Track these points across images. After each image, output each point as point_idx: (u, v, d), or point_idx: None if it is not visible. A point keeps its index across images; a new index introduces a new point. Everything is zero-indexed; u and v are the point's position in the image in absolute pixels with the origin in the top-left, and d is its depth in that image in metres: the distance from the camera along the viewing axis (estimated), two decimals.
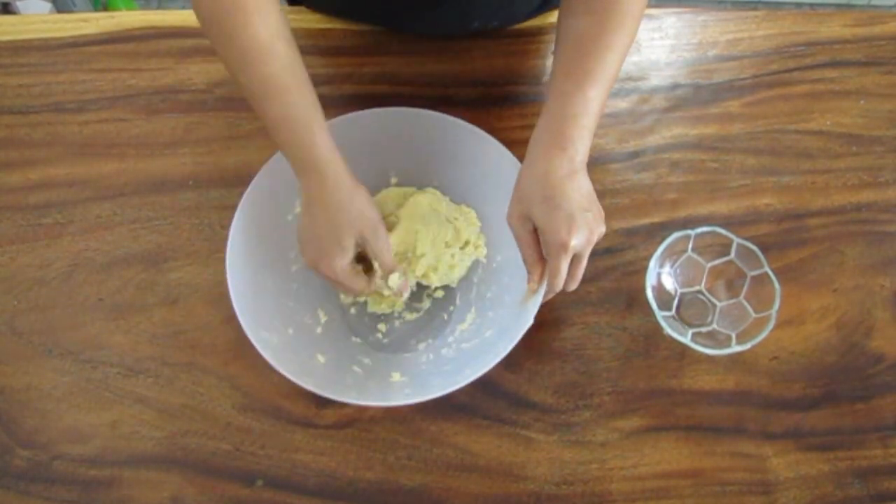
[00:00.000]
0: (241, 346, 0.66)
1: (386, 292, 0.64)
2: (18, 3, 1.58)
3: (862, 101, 0.79)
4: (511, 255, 0.61)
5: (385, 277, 0.64)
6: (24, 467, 0.62)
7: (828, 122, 0.78)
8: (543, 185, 0.55)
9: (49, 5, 1.64)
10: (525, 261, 0.59)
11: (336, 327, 0.67)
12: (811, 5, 1.95)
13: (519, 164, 0.61)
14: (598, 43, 0.57)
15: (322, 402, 0.64)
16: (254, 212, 0.63)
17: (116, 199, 0.73)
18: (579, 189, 0.56)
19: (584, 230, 0.55)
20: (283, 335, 0.62)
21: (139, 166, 0.75)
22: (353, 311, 0.69)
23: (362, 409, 0.64)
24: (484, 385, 0.65)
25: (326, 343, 0.65)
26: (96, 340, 0.67)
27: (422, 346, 0.67)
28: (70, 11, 1.66)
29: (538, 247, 0.57)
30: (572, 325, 0.68)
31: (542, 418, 0.64)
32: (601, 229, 0.57)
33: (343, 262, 0.60)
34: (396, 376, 0.63)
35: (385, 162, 0.70)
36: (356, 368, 0.64)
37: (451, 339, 0.66)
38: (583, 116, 0.56)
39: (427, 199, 0.68)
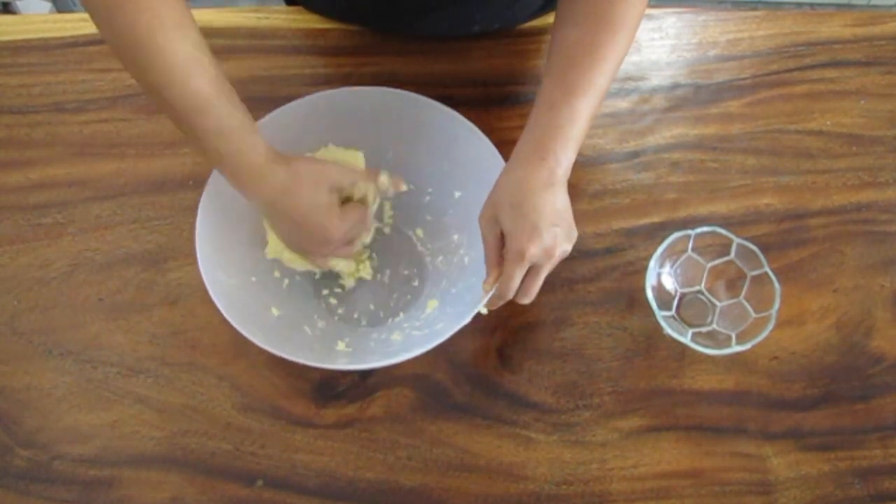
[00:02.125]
0: (241, 346, 0.66)
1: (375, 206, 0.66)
2: (18, 3, 1.58)
3: (862, 101, 0.79)
4: (482, 257, 0.61)
5: (375, 191, 0.65)
6: (24, 467, 0.62)
7: (828, 122, 0.78)
8: (516, 191, 0.55)
9: (49, 5, 1.64)
10: (486, 262, 0.59)
11: (303, 287, 0.69)
12: (811, 5, 1.95)
13: (489, 146, 0.63)
14: (591, 55, 0.57)
15: (322, 402, 0.65)
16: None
17: (116, 199, 0.73)
18: (552, 203, 0.55)
19: (546, 243, 0.55)
20: (243, 281, 0.62)
21: (139, 166, 0.75)
22: (317, 275, 0.70)
23: (362, 409, 0.64)
24: (484, 385, 0.65)
25: (286, 299, 0.65)
26: (96, 340, 0.67)
27: (383, 322, 0.68)
28: (70, 11, 1.66)
29: (500, 251, 0.57)
30: (572, 325, 0.68)
31: (542, 418, 0.64)
32: (566, 247, 0.56)
33: (337, 233, 0.61)
34: (342, 345, 0.64)
35: (354, 143, 0.69)
36: (306, 328, 0.64)
37: (405, 324, 0.67)
38: (569, 129, 0.56)
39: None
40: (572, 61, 0.57)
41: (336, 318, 0.68)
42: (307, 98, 0.65)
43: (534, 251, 0.54)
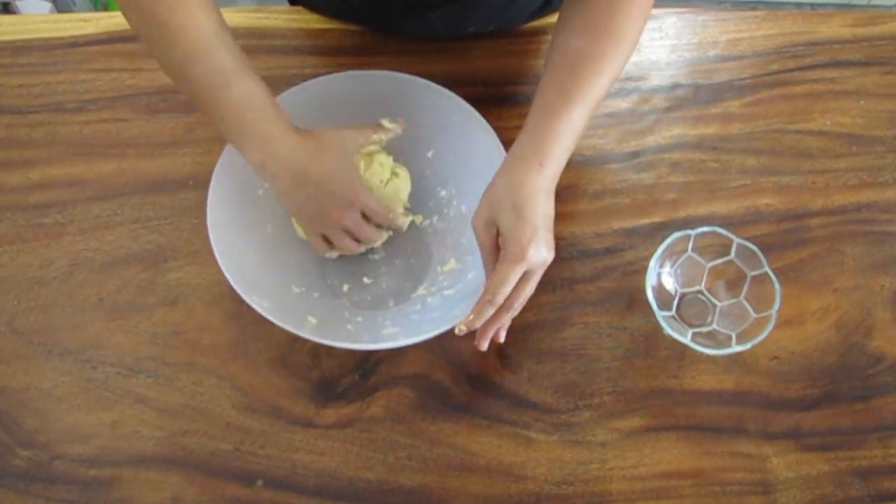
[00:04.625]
0: (241, 346, 0.67)
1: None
2: (18, 3, 1.58)
3: (862, 101, 0.79)
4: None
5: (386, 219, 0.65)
6: (24, 467, 0.62)
7: (828, 122, 0.78)
8: (515, 194, 0.55)
9: (49, 5, 1.64)
10: (485, 266, 0.59)
11: (320, 293, 0.68)
12: (811, 5, 1.95)
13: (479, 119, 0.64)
14: (592, 65, 0.57)
15: (322, 402, 0.65)
16: (229, 180, 0.64)
17: (116, 199, 0.73)
18: (546, 208, 0.56)
19: (543, 249, 0.55)
20: (273, 300, 0.62)
21: (139, 166, 0.75)
22: (330, 270, 0.70)
23: (362, 409, 0.64)
24: (484, 385, 0.65)
25: (316, 306, 0.65)
26: (96, 340, 0.67)
27: (407, 297, 0.69)
28: (70, 11, 1.66)
29: (497, 253, 0.57)
30: (572, 325, 0.68)
31: (542, 418, 0.64)
32: (551, 256, 0.56)
33: (362, 196, 0.61)
34: (389, 328, 0.64)
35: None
36: (349, 327, 0.64)
37: (433, 287, 0.67)
38: (565, 136, 0.57)
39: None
40: (575, 70, 0.58)
41: (365, 309, 0.68)
42: (303, 85, 0.66)
43: (533, 253, 0.54)
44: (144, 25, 0.56)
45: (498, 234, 0.57)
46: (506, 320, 0.59)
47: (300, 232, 0.67)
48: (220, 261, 0.59)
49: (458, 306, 0.60)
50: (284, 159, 0.58)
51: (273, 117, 0.58)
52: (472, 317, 0.56)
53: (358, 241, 0.65)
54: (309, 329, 0.60)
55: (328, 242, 0.65)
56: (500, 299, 0.56)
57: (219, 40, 0.56)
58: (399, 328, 0.64)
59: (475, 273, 0.64)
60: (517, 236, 0.54)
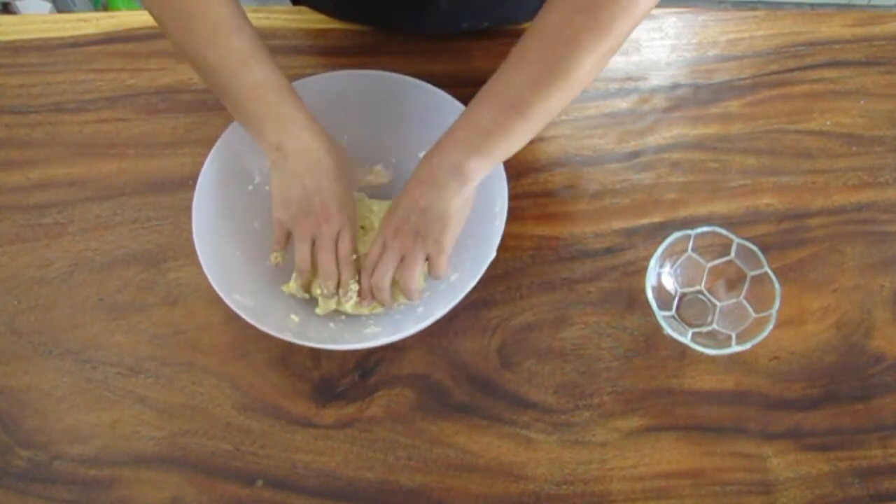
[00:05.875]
0: (241, 346, 0.67)
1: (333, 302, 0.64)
2: (18, 3, 1.58)
3: (862, 101, 0.79)
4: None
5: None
6: (24, 467, 0.62)
7: (828, 122, 0.78)
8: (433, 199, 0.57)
9: (49, 5, 1.64)
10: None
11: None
12: (811, 5, 1.95)
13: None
14: (570, 50, 0.52)
15: (322, 402, 0.65)
16: (219, 178, 0.65)
17: (116, 199, 0.73)
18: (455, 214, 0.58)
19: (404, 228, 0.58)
20: (255, 299, 0.61)
21: (139, 166, 0.75)
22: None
23: (362, 409, 0.64)
24: (484, 385, 0.65)
25: (301, 305, 0.65)
26: (96, 340, 0.67)
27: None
28: (70, 11, 1.66)
29: None
30: (572, 325, 0.68)
31: (542, 418, 0.64)
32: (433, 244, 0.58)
33: (340, 218, 0.60)
34: (371, 327, 0.64)
35: (341, 124, 0.70)
36: (331, 325, 0.64)
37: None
38: (519, 136, 0.56)
39: None
40: (551, 50, 0.54)
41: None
42: (299, 82, 0.66)
43: (388, 230, 0.59)
44: (164, 12, 0.57)
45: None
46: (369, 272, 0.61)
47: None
48: (201, 259, 0.59)
49: (438, 304, 0.60)
50: (306, 142, 0.59)
51: (295, 101, 0.59)
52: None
53: (310, 263, 0.62)
54: (290, 329, 0.60)
55: (287, 240, 0.63)
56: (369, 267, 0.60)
57: (237, 24, 0.57)
58: (381, 327, 0.64)
59: (458, 275, 0.64)
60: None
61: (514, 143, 0.57)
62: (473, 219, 0.61)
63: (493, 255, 0.59)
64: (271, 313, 0.62)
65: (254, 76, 0.57)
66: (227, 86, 0.58)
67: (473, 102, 0.57)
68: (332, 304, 0.63)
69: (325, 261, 0.60)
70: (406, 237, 0.59)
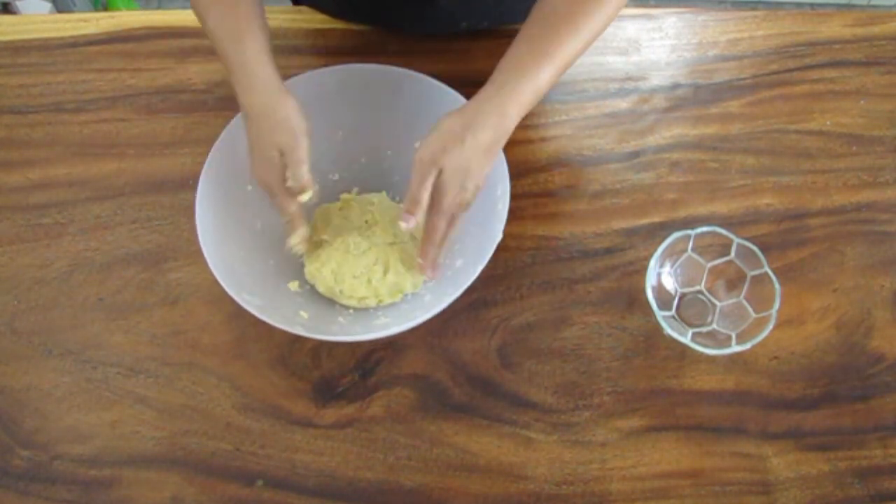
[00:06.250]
0: (241, 346, 0.67)
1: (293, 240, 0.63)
2: (18, 3, 1.59)
3: (862, 101, 0.79)
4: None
5: (296, 195, 0.60)
6: (24, 467, 0.62)
7: (828, 122, 0.78)
8: (466, 126, 0.56)
9: (49, 5, 1.64)
10: (411, 199, 0.58)
11: (311, 292, 0.68)
12: (811, 5, 1.95)
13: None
14: (567, 25, 0.57)
15: (322, 402, 0.65)
16: (219, 175, 0.64)
17: (116, 199, 0.73)
18: (490, 143, 0.57)
19: (458, 156, 0.56)
20: (263, 298, 0.61)
21: (139, 166, 0.75)
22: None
23: (362, 409, 0.64)
24: (484, 385, 0.65)
25: (309, 301, 0.65)
26: (96, 340, 0.67)
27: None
28: (70, 11, 1.66)
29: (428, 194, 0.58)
30: (572, 325, 0.68)
31: (542, 418, 0.64)
32: (477, 180, 0.57)
33: (270, 174, 0.59)
34: (381, 319, 0.64)
35: (335, 120, 0.71)
36: (340, 319, 0.65)
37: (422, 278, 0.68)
38: (529, 95, 0.57)
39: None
40: (549, 28, 0.58)
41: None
42: (293, 80, 0.66)
43: (445, 158, 0.56)
44: None
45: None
46: (437, 243, 0.60)
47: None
48: (208, 259, 0.59)
49: (448, 291, 0.60)
50: (261, 96, 0.59)
51: (236, 50, 0.59)
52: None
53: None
54: (301, 324, 0.60)
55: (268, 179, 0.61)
56: (422, 198, 0.57)
57: None
58: (391, 318, 0.64)
59: (463, 261, 0.64)
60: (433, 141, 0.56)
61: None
62: (476, 204, 0.61)
63: (499, 237, 0.59)
64: (280, 310, 0.62)
65: (226, 22, 0.59)
66: (220, 52, 0.60)
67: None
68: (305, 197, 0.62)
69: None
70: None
